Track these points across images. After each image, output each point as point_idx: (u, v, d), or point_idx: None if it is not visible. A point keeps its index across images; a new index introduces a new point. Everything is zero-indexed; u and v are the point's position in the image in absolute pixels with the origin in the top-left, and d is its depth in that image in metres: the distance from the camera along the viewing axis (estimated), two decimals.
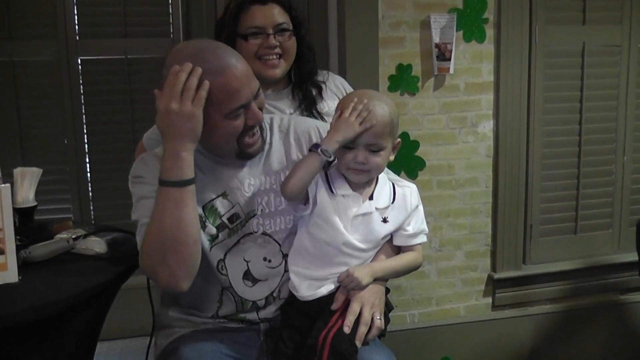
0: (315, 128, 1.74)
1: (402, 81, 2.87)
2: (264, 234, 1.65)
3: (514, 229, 3.09)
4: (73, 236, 1.71)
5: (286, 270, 1.66)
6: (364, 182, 1.62)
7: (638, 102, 3.22)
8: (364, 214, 1.59)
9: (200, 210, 1.58)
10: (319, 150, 1.54)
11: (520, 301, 3.18)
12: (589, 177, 3.20)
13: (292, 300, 1.66)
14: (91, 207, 3.16)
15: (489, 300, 3.15)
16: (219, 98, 1.48)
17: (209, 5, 3.09)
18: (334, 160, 1.57)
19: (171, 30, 3.13)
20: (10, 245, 1.51)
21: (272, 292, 1.68)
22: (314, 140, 1.69)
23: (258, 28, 1.97)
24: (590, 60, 3.12)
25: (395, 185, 1.66)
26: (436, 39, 2.85)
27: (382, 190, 1.64)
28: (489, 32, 2.94)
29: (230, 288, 1.65)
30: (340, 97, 2.19)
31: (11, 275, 1.51)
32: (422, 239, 1.69)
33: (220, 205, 1.62)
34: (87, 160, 3.13)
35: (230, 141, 1.55)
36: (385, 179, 1.67)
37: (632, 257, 3.18)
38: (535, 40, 3.01)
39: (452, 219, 3.04)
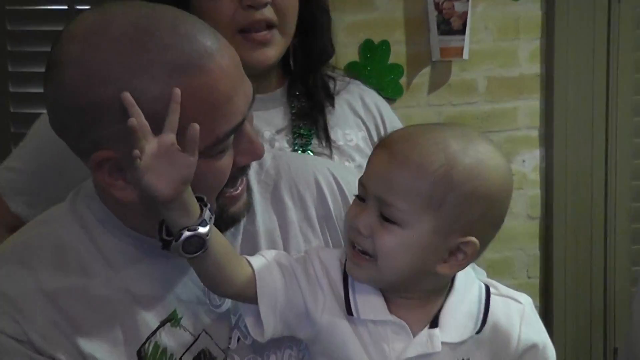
0: (328, 172, 1.02)
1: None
2: None
3: None
4: None
5: None
6: (394, 287, 0.85)
7: None
8: (420, 357, 0.84)
9: None
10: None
11: None
12: None
13: None
14: None
15: None
16: (195, 117, 0.76)
17: None
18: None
19: None
20: None
21: None
22: (327, 196, 1.00)
23: None
24: None
25: (490, 293, 0.88)
26: None
27: (460, 306, 0.86)
28: None
29: None
30: (371, 128, 1.38)
31: None
32: None
33: (171, 339, 0.87)
34: None
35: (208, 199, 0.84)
36: (469, 281, 0.88)
37: None
38: None
39: None
